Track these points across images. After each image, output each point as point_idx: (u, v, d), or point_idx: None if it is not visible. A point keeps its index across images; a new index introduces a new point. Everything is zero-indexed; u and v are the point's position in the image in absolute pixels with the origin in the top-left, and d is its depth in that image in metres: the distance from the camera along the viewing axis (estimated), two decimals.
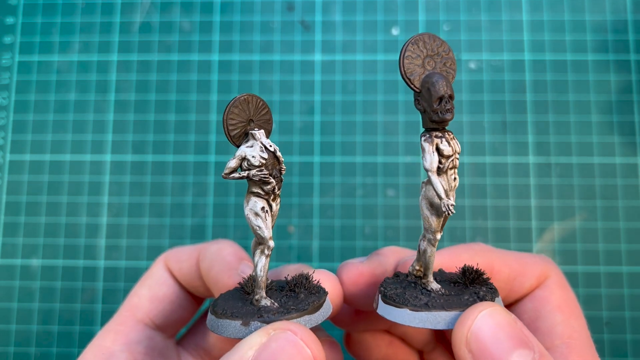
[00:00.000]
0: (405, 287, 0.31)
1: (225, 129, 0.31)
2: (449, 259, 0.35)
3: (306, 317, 0.30)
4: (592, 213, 0.55)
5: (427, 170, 0.29)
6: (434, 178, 0.29)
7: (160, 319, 0.38)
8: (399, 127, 0.57)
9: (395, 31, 0.59)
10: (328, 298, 0.32)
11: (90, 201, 0.57)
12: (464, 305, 0.28)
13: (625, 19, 0.58)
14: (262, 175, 0.31)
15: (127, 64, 0.59)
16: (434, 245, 0.31)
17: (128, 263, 0.56)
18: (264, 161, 0.31)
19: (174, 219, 0.56)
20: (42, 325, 0.55)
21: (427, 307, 0.29)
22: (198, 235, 0.56)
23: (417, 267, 0.32)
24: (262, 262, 0.32)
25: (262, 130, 0.32)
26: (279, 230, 0.56)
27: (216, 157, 0.57)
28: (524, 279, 0.35)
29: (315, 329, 0.38)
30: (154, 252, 0.56)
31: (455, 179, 0.30)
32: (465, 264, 0.32)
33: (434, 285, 0.31)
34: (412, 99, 0.31)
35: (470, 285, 0.31)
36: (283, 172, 0.32)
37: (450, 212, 0.29)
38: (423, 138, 0.29)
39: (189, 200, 0.56)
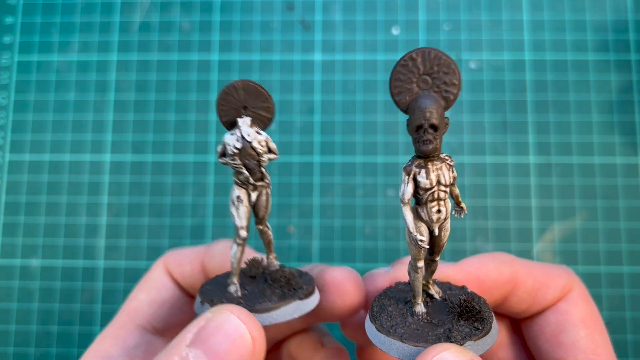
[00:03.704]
0: (399, 300, 0.31)
1: (218, 115, 0.31)
2: (476, 269, 0.34)
3: (273, 314, 0.29)
4: (592, 213, 0.55)
5: (400, 200, 0.27)
6: (404, 210, 0.28)
7: (160, 323, 0.37)
8: (399, 127, 0.57)
9: (395, 31, 0.59)
10: (306, 301, 0.31)
11: (90, 201, 0.57)
12: (423, 341, 0.27)
13: (626, 19, 0.58)
14: (234, 165, 0.31)
15: (126, 64, 0.59)
16: (417, 272, 0.29)
17: (128, 263, 0.56)
18: (236, 151, 0.31)
19: (174, 219, 0.56)
20: (42, 326, 0.55)
21: (388, 331, 0.28)
22: (198, 235, 0.56)
23: (424, 282, 0.32)
24: (233, 250, 0.32)
25: (247, 119, 0.31)
26: (279, 231, 0.56)
27: (216, 157, 0.57)
28: (547, 291, 0.34)
29: (323, 334, 0.38)
30: (153, 253, 0.56)
31: (438, 211, 0.28)
32: (466, 294, 0.31)
33: (418, 309, 0.30)
34: None
35: (459, 319, 0.29)
36: (263, 164, 0.31)
37: (418, 246, 0.27)
38: (405, 165, 0.28)
39: (189, 200, 0.56)
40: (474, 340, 0.28)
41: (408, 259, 0.34)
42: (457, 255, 0.55)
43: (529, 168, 0.56)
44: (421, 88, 0.27)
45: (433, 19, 0.59)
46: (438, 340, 0.27)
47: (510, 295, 0.34)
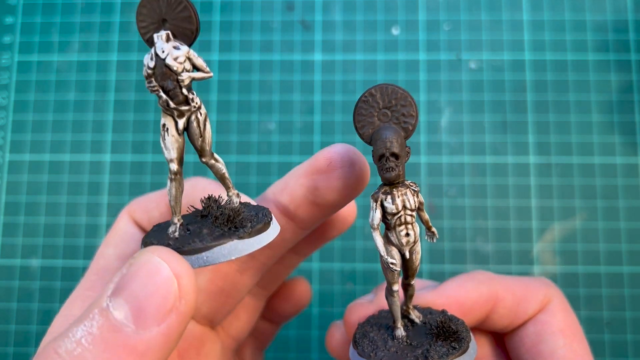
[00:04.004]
0: (381, 326, 0.32)
1: (140, 33, 0.27)
2: (455, 291, 0.34)
3: (203, 255, 0.26)
4: (592, 213, 0.55)
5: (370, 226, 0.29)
6: (374, 234, 0.29)
7: None
8: None
9: (395, 31, 0.59)
10: (248, 240, 0.27)
11: (90, 201, 0.57)
12: None
13: (626, 19, 0.58)
14: (149, 87, 0.27)
15: (126, 64, 0.59)
16: (393, 296, 0.30)
17: None
18: (150, 71, 0.27)
19: None
20: (42, 326, 0.55)
21: (368, 356, 0.29)
22: None
23: (405, 307, 0.32)
24: (167, 186, 0.28)
25: (163, 33, 0.27)
26: None
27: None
28: (527, 305, 0.34)
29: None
30: None
31: (407, 234, 0.29)
32: (443, 316, 0.32)
33: (398, 333, 0.31)
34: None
35: (437, 340, 0.30)
36: (183, 84, 0.27)
37: (390, 268, 0.29)
38: (373, 192, 0.29)
39: None
40: (451, 359, 0.29)
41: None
42: (458, 256, 0.55)
43: (529, 168, 0.56)
44: (382, 121, 0.29)
45: (433, 19, 0.59)
46: None
47: (492, 313, 0.34)
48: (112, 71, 0.59)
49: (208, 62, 0.62)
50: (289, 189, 0.33)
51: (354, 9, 0.59)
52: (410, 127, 0.29)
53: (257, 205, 0.31)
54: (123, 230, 0.35)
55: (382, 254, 0.29)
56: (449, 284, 0.35)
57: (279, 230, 0.29)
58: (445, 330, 0.30)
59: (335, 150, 0.32)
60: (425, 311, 0.34)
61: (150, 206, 0.35)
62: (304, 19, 0.60)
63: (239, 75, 0.59)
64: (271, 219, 0.29)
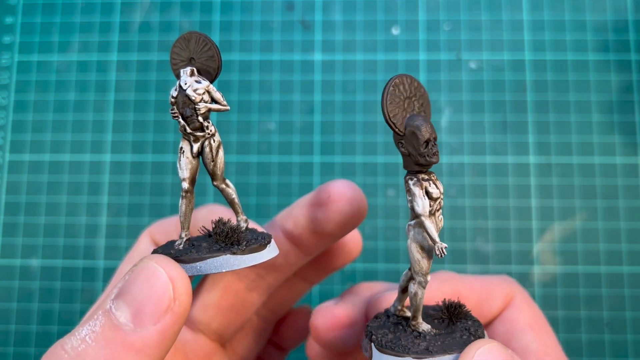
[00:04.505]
0: (394, 330, 0.31)
1: (172, 68, 0.31)
2: None
3: (197, 264, 0.29)
4: (592, 213, 0.55)
5: (420, 215, 0.28)
6: (427, 222, 0.29)
7: None
8: None
9: (395, 31, 0.59)
10: (240, 257, 0.30)
11: (90, 201, 0.57)
12: (462, 345, 0.28)
13: (626, 19, 0.58)
14: (171, 114, 0.31)
15: (126, 64, 0.59)
16: (424, 288, 0.30)
17: None
18: (172, 100, 0.31)
19: None
20: (42, 326, 0.55)
21: (429, 352, 0.28)
22: None
23: (400, 307, 0.32)
24: (179, 203, 0.32)
25: (188, 68, 0.31)
26: None
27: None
28: (491, 302, 0.35)
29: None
30: None
31: (441, 219, 0.30)
32: (445, 299, 0.32)
33: (425, 327, 0.30)
34: None
35: (456, 321, 0.31)
36: (199, 112, 0.30)
37: (443, 254, 0.28)
38: (411, 182, 0.29)
39: None
40: (483, 331, 0.30)
41: (359, 288, 0.36)
42: (458, 256, 0.55)
43: (529, 168, 0.56)
44: (407, 110, 0.30)
45: (433, 19, 0.59)
46: (466, 342, 0.28)
47: None
48: (112, 71, 0.59)
49: None
50: (293, 217, 0.35)
51: (354, 9, 0.59)
52: (429, 116, 0.30)
53: (263, 232, 0.33)
54: (144, 250, 0.38)
55: (437, 240, 0.28)
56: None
57: (276, 254, 0.31)
58: (456, 308, 0.31)
59: (336, 186, 0.34)
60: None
61: (170, 229, 0.37)
62: (304, 19, 0.60)
63: (239, 75, 0.59)
64: (269, 242, 0.31)
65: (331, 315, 0.35)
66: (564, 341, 0.53)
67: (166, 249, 0.30)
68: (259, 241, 0.30)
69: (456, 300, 0.32)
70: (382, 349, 0.30)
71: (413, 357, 0.28)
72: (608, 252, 0.54)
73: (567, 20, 0.58)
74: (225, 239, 0.30)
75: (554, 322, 0.53)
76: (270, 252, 0.31)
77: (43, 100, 0.59)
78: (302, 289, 0.42)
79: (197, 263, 0.29)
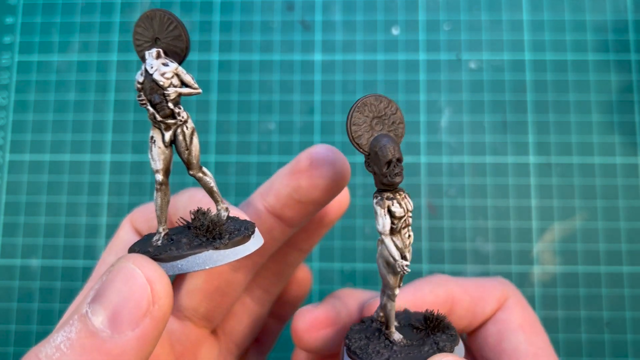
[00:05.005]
0: (370, 337, 0.32)
1: (136, 50, 0.28)
2: (412, 295, 0.35)
3: (178, 263, 0.27)
4: (592, 213, 0.55)
5: (380, 233, 0.29)
6: (387, 240, 0.29)
7: None
8: None
9: (395, 31, 0.59)
10: (223, 251, 0.28)
11: (90, 201, 0.57)
12: (423, 359, 0.29)
13: (626, 19, 0.58)
14: (139, 101, 0.28)
15: (126, 64, 0.59)
16: (393, 300, 0.31)
17: None
18: (139, 85, 0.28)
19: None
20: (42, 326, 0.55)
21: None
22: None
23: (382, 314, 0.33)
24: (154, 196, 0.29)
25: (154, 50, 0.28)
26: None
27: (216, 157, 0.57)
28: (485, 304, 0.36)
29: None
30: None
31: (409, 236, 0.30)
32: (427, 310, 0.32)
33: (396, 336, 0.31)
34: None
35: (432, 333, 0.31)
36: (169, 98, 0.28)
37: (404, 271, 0.29)
38: (375, 200, 0.29)
39: None
40: (457, 345, 0.30)
41: (341, 293, 0.37)
42: (458, 256, 0.55)
43: (529, 168, 0.56)
44: (375, 130, 0.30)
45: (433, 19, 0.59)
46: (432, 353, 0.29)
47: (450, 314, 0.35)
48: (112, 71, 0.59)
49: (208, 62, 0.62)
50: (275, 189, 0.34)
51: (354, 9, 0.59)
52: (401, 133, 0.30)
53: (245, 220, 0.31)
54: (124, 238, 0.36)
55: (397, 258, 0.29)
56: (406, 288, 0.36)
57: (261, 244, 0.30)
58: (437, 322, 0.31)
59: (316, 151, 0.33)
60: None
61: (151, 215, 0.36)
62: (304, 19, 0.60)
63: (239, 75, 0.59)
64: (253, 232, 0.29)
65: (311, 317, 0.35)
66: (564, 341, 0.53)
67: (144, 246, 0.28)
68: (242, 232, 0.29)
69: (439, 312, 0.32)
70: (350, 353, 0.31)
71: None
72: (608, 252, 0.54)
73: (567, 20, 0.58)
74: (206, 232, 0.28)
75: (554, 322, 0.53)
76: (255, 243, 0.29)
77: (43, 100, 0.59)
78: (297, 259, 0.41)
79: (178, 261, 0.27)
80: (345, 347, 0.32)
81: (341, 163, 0.33)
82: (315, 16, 0.59)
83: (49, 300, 0.55)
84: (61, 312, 0.55)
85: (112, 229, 0.56)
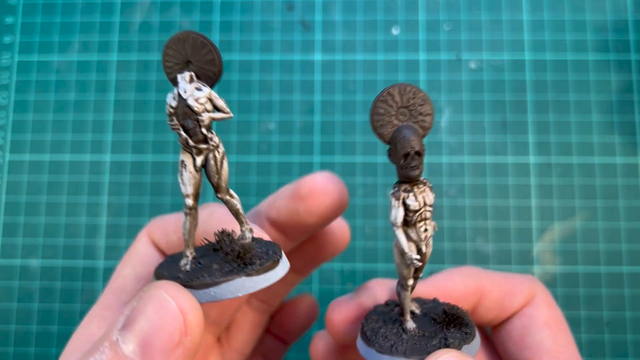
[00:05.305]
0: (386, 321, 0.32)
1: (165, 72, 0.28)
2: (443, 284, 0.36)
3: (211, 290, 0.26)
4: (592, 213, 0.55)
5: (392, 224, 0.29)
6: (398, 232, 0.29)
7: None
8: None
9: (395, 31, 0.59)
10: (256, 278, 0.28)
11: (90, 201, 0.57)
12: (425, 353, 0.29)
13: (626, 19, 0.58)
14: (171, 126, 0.28)
15: (126, 64, 0.59)
16: (406, 290, 0.31)
17: None
18: (171, 110, 0.28)
19: None
20: (42, 326, 0.55)
21: (390, 351, 0.29)
22: None
23: None
24: (182, 220, 0.29)
25: (187, 74, 0.27)
26: None
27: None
28: (513, 298, 0.36)
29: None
30: None
31: (426, 230, 0.30)
32: (447, 305, 0.32)
33: (409, 325, 0.31)
34: None
35: (447, 327, 0.31)
36: (202, 124, 0.28)
37: (414, 265, 0.29)
38: (392, 191, 0.30)
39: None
40: (468, 344, 0.30)
41: (373, 283, 0.37)
42: (458, 256, 0.55)
43: (529, 168, 0.56)
44: (400, 120, 0.29)
45: (433, 19, 0.59)
46: (437, 349, 0.29)
47: (478, 305, 0.36)
48: (112, 71, 0.59)
49: None
50: (276, 206, 0.35)
51: (354, 9, 0.59)
52: (428, 126, 0.30)
53: (269, 241, 0.31)
54: (141, 251, 0.36)
55: (407, 250, 0.29)
56: (438, 276, 0.36)
57: (287, 268, 0.30)
58: (455, 317, 0.31)
59: (316, 180, 0.34)
60: (419, 301, 0.34)
61: (169, 229, 0.35)
62: (304, 19, 0.60)
63: (239, 75, 0.59)
64: (280, 256, 0.29)
65: (346, 309, 0.35)
66: None
67: (172, 270, 0.28)
68: (271, 257, 0.29)
69: (461, 308, 0.32)
70: (362, 333, 0.31)
71: (376, 350, 0.30)
72: (608, 252, 0.54)
73: (567, 20, 0.58)
74: (237, 258, 0.28)
75: None
76: (283, 267, 0.29)
77: (43, 100, 0.59)
78: (293, 280, 0.42)
79: (211, 289, 0.26)
80: (360, 327, 0.32)
81: (339, 193, 0.34)
82: (315, 16, 0.59)
83: (48, 300, 0.55)
84: (61, 312, 0.55)
85: (112, 229, 0.56)
